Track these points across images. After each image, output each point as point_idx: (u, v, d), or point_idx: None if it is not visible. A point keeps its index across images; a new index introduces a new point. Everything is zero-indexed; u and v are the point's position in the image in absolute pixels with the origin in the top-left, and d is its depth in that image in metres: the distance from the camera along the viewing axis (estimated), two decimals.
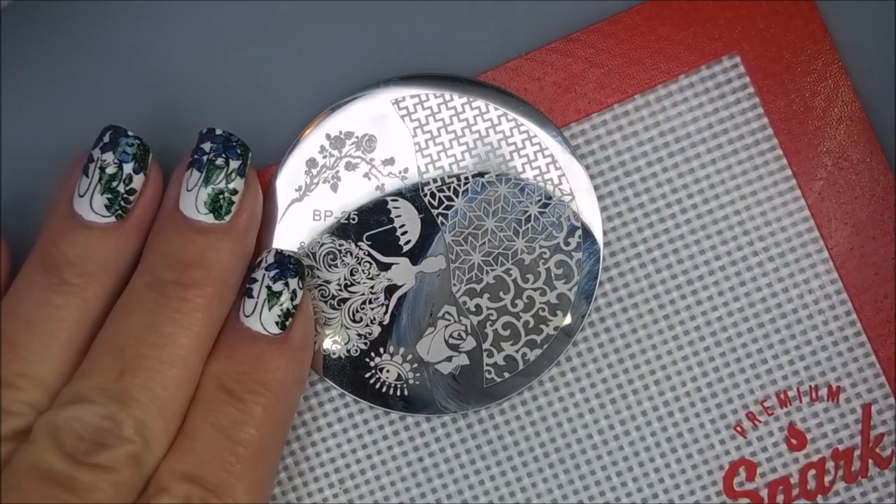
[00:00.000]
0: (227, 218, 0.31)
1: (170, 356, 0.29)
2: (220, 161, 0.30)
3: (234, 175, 0.30)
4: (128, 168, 0.30)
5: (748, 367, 0.33)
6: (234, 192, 0.31)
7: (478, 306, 0.33)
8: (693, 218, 0.33)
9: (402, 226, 0.33)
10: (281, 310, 0.31)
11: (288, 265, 0.31)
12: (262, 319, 0.30)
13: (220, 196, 0.30)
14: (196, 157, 0.31)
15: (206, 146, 0.31)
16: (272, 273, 0.31)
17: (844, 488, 0.33)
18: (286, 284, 0.31)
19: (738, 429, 0.33)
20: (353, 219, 0.33)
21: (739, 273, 0.33)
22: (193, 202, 0.30)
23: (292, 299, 0.31)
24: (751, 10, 0.33)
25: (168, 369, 0.29)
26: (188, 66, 0.34)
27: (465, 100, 0.33)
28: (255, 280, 0.31)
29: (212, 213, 0.30)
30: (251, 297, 0.31)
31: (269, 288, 0.31)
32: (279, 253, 0.31)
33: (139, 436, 0.29)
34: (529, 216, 0.33)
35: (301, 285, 0.31)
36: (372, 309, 0.33)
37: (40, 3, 0.34)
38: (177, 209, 0.31)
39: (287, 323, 0.31)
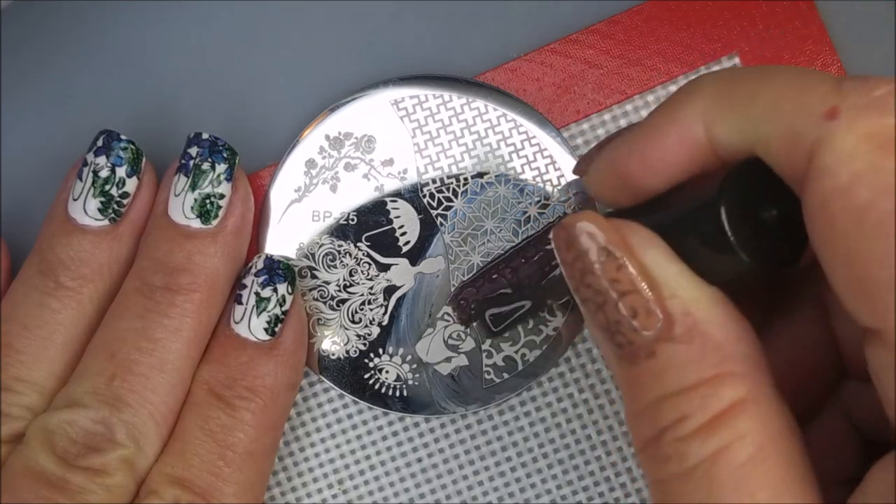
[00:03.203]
0: (215, 222, 0.31)
1: (160, 361, 0.30)
2: (206, 165, 0.30)
3: (220, 179, 0.31)
4: (121, 172, 0.31)
5: None
6: (222, 196, 0.31)
7: None
8: None
9: (401, 226, 0.33)
10: (269, 316, 0.31)
11: (277, 271, 0.31)
12: (251, 326, 0.31)
13: (207, 200, 0.30)
14: (183, 161, 0.31)
15: (193, 151, 0.31)
16: (261, 279, 0.31)
17: None
18: (275, 290, 0.31)
19: None
20: (353, 219, 0.33)
21: None
22: (181, 207, 0.30)
23: (281, 305, 0.31)
24: (750, 11, 0.33)
25: (158, 374, 0.30)
26: (188, 66, 0.34)
27: (464, 100, 0.33)
28: (244, 286, 0.31)
29: (199, 217, 0.30)
30: (240, 303, 0.31)
31: (257, 294, 0.31)
32: (269, 258, 0.31)
33: (131, 440, 0.29)
34: (529, 217, 0.33)
35: (290, 290, 0.31)
36: (371, 310, 0.33)
37: (40, 3, 0.34)
38: (165, 214, 0.31)
39: (276, 329, 0.31)
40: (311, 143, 0.33)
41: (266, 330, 0.31)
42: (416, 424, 0.33)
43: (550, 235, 0.25)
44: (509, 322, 0.32)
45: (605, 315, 0.24)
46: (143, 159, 0.31)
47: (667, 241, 0.24)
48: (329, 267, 0.33)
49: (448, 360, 0.33)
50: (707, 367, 0.23)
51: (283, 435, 0.33)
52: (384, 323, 0.33)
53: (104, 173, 0.31)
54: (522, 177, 0.33)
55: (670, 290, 0.23)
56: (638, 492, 0.33)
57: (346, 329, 0.33)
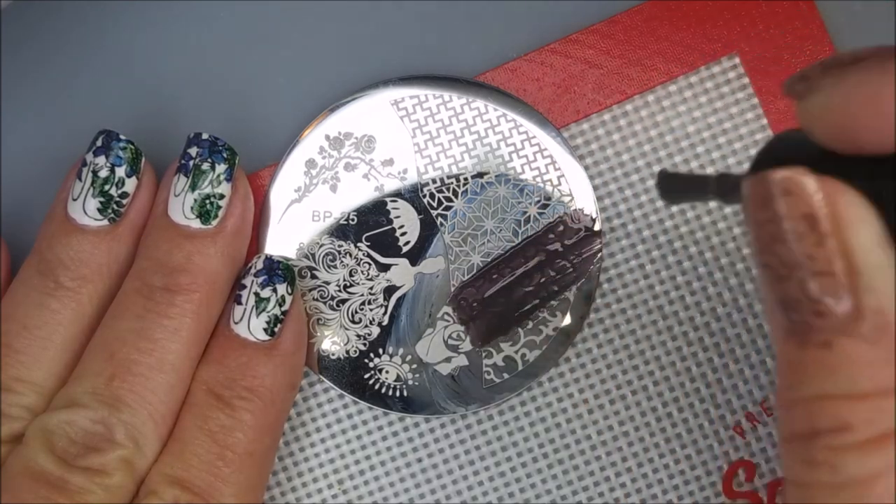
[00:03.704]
0: (215, 223, 0.31)
1: (159, 362, 0.30)
2: (206, 166, 0.30)
3: (220, 179, 0.31)
4: (120, 171, 0.31)
5: (747, 367, 0.33)
6: (221, 196, 0.31)
7: None
8: (692, 218, 0.33)
9: (401, 226, 0.33)
10: (269, 316, 0.31)
11: (277, 271, 0.31)
12: (251, 326, 0.31)
13: (207, 201, 0.30)
14: (183, 161, 0.31)
15: (193, 151, 0.31)
16: (261, 279, 0.31)
17: None
18: (274, 290, 0.31)
19: (738, 430, 0.33)
20: (353, 219, 0.33)
21: (739, 273, 0.33)
22: (181, 207, 0.30)
23: (280, 305, 0.31)
24: (750, 11, 0.33)
25: (157, 374, 0.30)
26: (188, 66, 0.34)
27: (464, 100, 0.33)
28: (244, 286, 0.31)
29: (199, 217, 0.30)
30: (240, 303, 0.31)
31: (256, 294, 0.31)
32: (268, 259, 0.31)
33: (130, 440, 0.29)
34: (529, 217, 0.33)
35: (290, 291, 0.31)
36: (371, 310, 0.33)
37: (40, 3, 0.34)
38: (165, 214, 0.31)
39: (276, 329, 0.31)
40: (311, 143, 0.33)
41: (265, 330, 0.31)
42: (416, 424, 0.33)
43: (743, 187, 0.21)
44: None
45: (786, 289, 0.21)
46: (143, 159, 0.31)
47: (880, 215, 0.20)
48: (329, 267, 0.33)
49: (448, 360, 0.33)
50: (887, 377, 0.20)
51: (283, 435, 0.33)
52: (384, 323, 0.33)
53: (103, 173, 0.31)
54: (522, 177, 0.33)
55: (868, 282, 0.20)
56: (638, 492, 0.33)
57: (346, 329, 0.33)
